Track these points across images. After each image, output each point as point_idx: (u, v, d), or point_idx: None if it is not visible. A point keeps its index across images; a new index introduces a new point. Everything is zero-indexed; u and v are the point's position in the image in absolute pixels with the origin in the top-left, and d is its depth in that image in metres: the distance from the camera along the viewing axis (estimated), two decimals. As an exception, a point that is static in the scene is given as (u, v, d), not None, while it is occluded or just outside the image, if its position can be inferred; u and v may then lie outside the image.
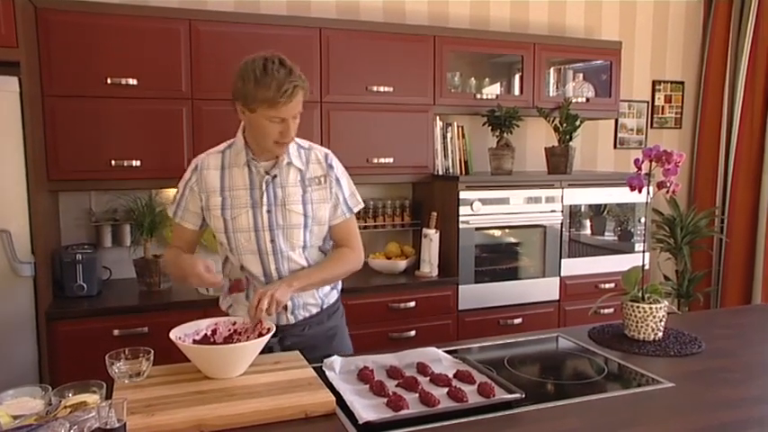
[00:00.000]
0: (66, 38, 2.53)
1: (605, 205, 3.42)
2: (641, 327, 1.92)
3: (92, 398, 1.34)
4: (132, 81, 2.63)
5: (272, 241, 1.78)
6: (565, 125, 3.33)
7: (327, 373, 1.60)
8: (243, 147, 1.76)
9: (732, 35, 4.05)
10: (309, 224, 1.80)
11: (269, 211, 1.76)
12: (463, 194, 3.01)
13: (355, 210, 1.90)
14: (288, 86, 1.61)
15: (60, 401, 1.31)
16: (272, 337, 1.67)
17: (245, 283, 1.81)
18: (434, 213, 3.09)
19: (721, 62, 4.09)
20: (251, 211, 1.76)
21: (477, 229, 3.07)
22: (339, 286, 2.00)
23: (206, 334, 1.66)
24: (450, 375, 1.58)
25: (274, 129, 1.67)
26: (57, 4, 2.51)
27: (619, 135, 4.07)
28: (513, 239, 3.20)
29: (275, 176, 1.77)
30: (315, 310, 1.89)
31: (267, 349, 1.68)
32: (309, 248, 1.84)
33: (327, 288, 1.92)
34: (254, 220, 1.76)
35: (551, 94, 3.55)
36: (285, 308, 1.82)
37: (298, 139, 1.82)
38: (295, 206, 1.78)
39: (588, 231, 3.40)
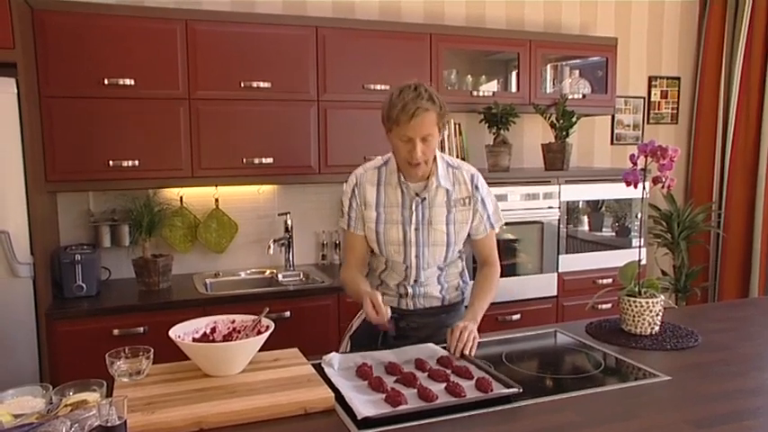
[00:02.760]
0: (62, 39, 2.53)
1: (602, 201, 3.43)
2: (638, 321, 1.93)
3: (92, 396, 1.35)
4: (129, 81, 2.63)
5: (417, 257, 1.91)
6: (561, 121, 3.34)
7: (326, 369, 1.61)
8: (395, 168, 1.89)
9: (728, 30, 4.06)
10: (451, 242, 1.93)
11: (417, 229, 1.90)
12: (460, 191, 3.02)
13: (497, 226, 2.01)
14: (412, 106, 1.72)
15: (61, 400, 1.32)
16: (392, 314, 1.83)
17: (391, 326, 1.85)
18: (432, 211, 3.10)
19: (717, 57, 4.10)
20: (401, 228, 1.90)
21: (474, 225, 3.07)
22: (466, 290, 2.08)
23: (205, 332, 1.67)
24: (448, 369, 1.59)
25: (404, 148, 1.78)
26: (53, 6, 2.51)
27: (615, 131, 4.08)
28: (510, 236, 3.21)
29: (424, 199, 1.87)
30: (436, 303, 1.99)
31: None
32: (448, 264, 1.98)
33: (453, 286, 2.02)
34: (403, 236, 1.90)
35: (548, 91, 3.56)
36: (407, 294, 1.96)
37: (447, 157, 1.95)
38: (440, 225, 1.90)
39: (585, 227, 3.41)
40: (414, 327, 1.96)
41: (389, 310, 1.76)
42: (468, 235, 1.97)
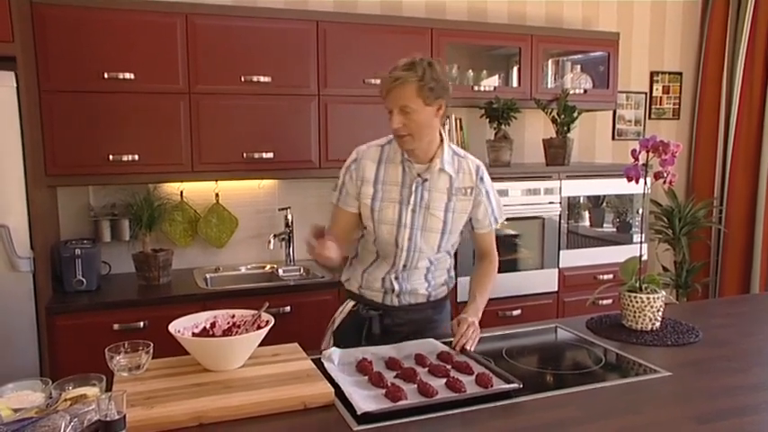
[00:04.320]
0: (62, 32, 2.52)
1: (603, 196, 3.42)
2: (639, 317, 1.93)
3: (92, 391, 1.35)
4: (129, 75, 2.62)
5: (410, 239, 1.87)
6: (563, 117, 3.33)
7: (326, 364, 1.60)
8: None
9: (730, 25, 4.04)
10: (446, 231, 1.89)
11: (413, 211, 1.86)
12: (461, 187, 3.01)
13: (500, 221, 2.00)
14: (388, 78, 1.73)
15: (60, 394, 1.32)
16: (374, 311, 1.89)
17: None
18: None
19: (719, 52, 4.09)
20: (397, 207, 1.86)
21: (475, 221, 3.07)
22: (451, 284, 2.06)
23: (205, 327, 1.67)
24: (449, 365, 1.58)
25: (390, 119, 1.76)
26: (52, -1, 2.50)
27: (617, 126, 4.06)
28: (511, 231, 3.20)
29: (426, 180, 1.84)
30: (421, 300, 1.97)
31: (368, 321, 1.91)
32: (441, 253, 1.93)
33: (439, 283, 1.99)
34: (398, 216, 1.86)
35: (549, 86, 3.55)
36: (392, 290, 1.92)
37: (454, 146, 1.94)
38: (437, 212, 1.87)
39: (587, 223, 3.40)
40: (399, 323, 1.94)
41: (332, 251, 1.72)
42: (472, 228, 1.96)
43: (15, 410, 1.26)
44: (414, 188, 1.85)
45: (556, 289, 3.29)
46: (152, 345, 1.55)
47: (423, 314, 1.97)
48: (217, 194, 3.09)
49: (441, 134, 1.87)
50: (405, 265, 1.90)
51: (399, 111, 1.73)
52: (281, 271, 3.07)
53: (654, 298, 1.91)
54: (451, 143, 1.93)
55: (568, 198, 3.28)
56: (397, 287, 1.92)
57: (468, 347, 1.72)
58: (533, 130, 3.75)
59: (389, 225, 1.86)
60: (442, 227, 1.88)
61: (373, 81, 3.01)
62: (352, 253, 2.04)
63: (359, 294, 1.98)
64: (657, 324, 1.95)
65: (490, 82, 3.44)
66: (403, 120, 1.74)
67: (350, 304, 1.99)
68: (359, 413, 1.33)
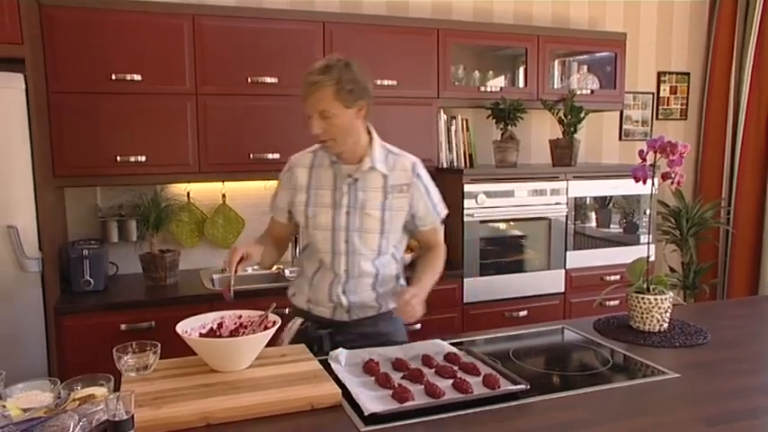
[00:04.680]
0: (70, 34, 2.54)
1: (610, 197, 3.41)
2: (646, 318, 1.92)
3: (100, 391, 1.35)
4: (137, 77, 2.64)
5: (347, 242, 1.82)
6: (569, 117, 3.32)
7: (333, 365, 1.61)
8: None
9: (738, 25, 4.02)
10: (386, 231, 1.84)
11: (347, 213, 1.82)
12: (468, 187, 3.01)
13: (442, 215, 1.96)
14: (304, 83, 1.71)
15: (69, 394, 1.33)
16: (323, 329, 1.82)
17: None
18: (439, 206, 3.09)
19: (727, 52, 4.06)
20: (331, 211, 1.82)
21: (481, 221, 3.07)
22: None
23: (212, 327, 1.67)
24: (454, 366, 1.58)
25: (309, 124, 1.73)
26: (61, 1, 2.51)
27: (624, 127, 4.05)
28: (517, 232, 3.20)
29: (357, 180, 1.81)
30: (372, 313, 1.90)
31: (318, 340, 1.81)
32: (383, 255, 1.87)
33: (388, 292, 1.92)
34: (332, 220, 1.82)
35: (556, 87, 3.54)
36: (342, 305, 1.86)
37: (389, 145, 1.89)
38: (373, 211, 1.82)
39: (593, 223, 3.39)
40: (351, 339, 1.83)
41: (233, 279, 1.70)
42: (417, 227, 1.91)
43: (25, 410, 1.27)
44: (346, 189, 1.81)
45: (562, 290, 3.28)
46: (159, 345, 1.56)
47: (374, 328, 1.90)
48: (223, 195, 3.10)
49: (370, 133, 1.84)
50: (347, 271, 1.84)
51: (319, 116, 1.70)
52: (287, 272, 3.07)
53: (661, 299, 1.90)
54: (385, 142, 1.87)
55: (575, 199, 3.27)
56: (345, 301, 1.86)
57: (411, 319, 1.70)
58: (540, 130, 3.75)
59: (324, 231, 1.83)
60: (380, 227, 1.82)
61: (380, 82, 3.01)
62: (298, 269, 2.01)
63: (307, 311, 1.91)
64: (665, 325, 1.94)
65: (496, 82, 3.44)
66: (323, 125, 1.71)
67: (298, 322, 1.88)
68: (366, 414, 1.33)
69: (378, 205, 1.82)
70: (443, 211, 1.96)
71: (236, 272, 1.71)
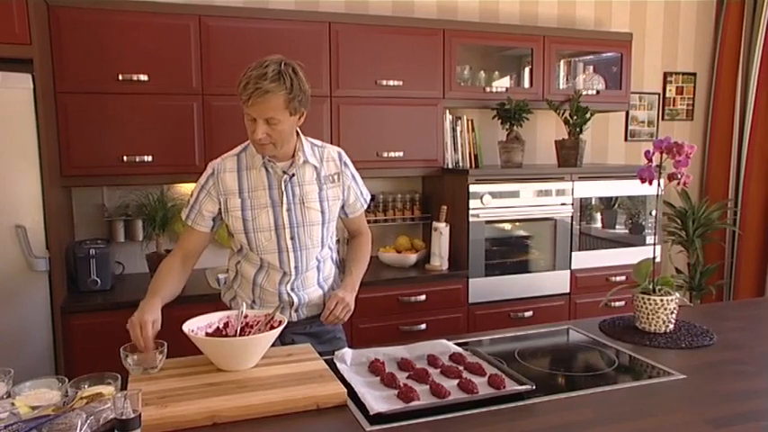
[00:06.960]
0: (77, 35, 2.55)
1: (616, 198, 3.40)
2: (652, 319, 1.92)
3: (107, 389, 1.36)
4: (143, 77, 2.65)
5: (292, 239, 1.83)
6: (575, 118, 3.32)
7: (339, 365, 1.61)
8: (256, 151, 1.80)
9: (746, 25, 4.01)
10: (326, 221, 1.88)
11: (288, 210, 1.82)
12: (473, 188, 3.01)
13: (367, 201, 2.03)
14: (251, 87, 1.64)
15: (76, 393, 1.34)
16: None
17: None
18: (444, 207, 3.09)
19: (734, 53, 4.05)
20: (271, 211, 1.81)
21: (487, 222, 3.07)
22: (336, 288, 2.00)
23: (218, 327, 1.68)
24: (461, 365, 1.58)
25: (249, 127, 1.72)
26: (68, 2, 2.52)
27: (630, 127, 4.04)
28: (523, 233, 3.20)
29: (293, 175, 1.82)
30: (317, 312, 1.91)
31: None
32: (324, 247, 1.91)
33: (329, 287, 1.97)
34: (274, 220, 1.81)
35: (561, 87, 3.53)
36: (291, 304, 1.87)
37: (311, 139, 1.90)
38: (313, 203, 1.85)
39: (599, 224, 3.38)
40: (298, 341, 1.85)
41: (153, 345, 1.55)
42: (346, 215, 1.98)
43: (33, 408, 1.28)
44: (283, 187, 1.81)
45: (568, 290, 3.28)
46: (166, 344, 1.56)
47: (321, 327, 1.92)
48: (229, 195, 3.10)
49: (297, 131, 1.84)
50: (297, 267, 1.84)
51: (264, 121, 1.68)
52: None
53: (667, 300, 1.90)
54: (307, 136, 1.88)
55: (581, 199, 3.26)
56: (295, 300, 1.87)
57: (336, 323, 1.76)
58: (545, 131, 3.74)
59: (267, 231, 1.81)
60: (321, 218, 1.86)
61: (385, 82, 3.01)
62: (231, 274, 1.98)
63: None
64: (671, 326, 1.93)
65: (502, 83, 3.44)
66: (267, 130, 1.69)
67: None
68: (371, 414, 1.33)
69: (316, 197, 1.85)
70: (368, 196, 2.03)
71: (154, 346, 1.55)
